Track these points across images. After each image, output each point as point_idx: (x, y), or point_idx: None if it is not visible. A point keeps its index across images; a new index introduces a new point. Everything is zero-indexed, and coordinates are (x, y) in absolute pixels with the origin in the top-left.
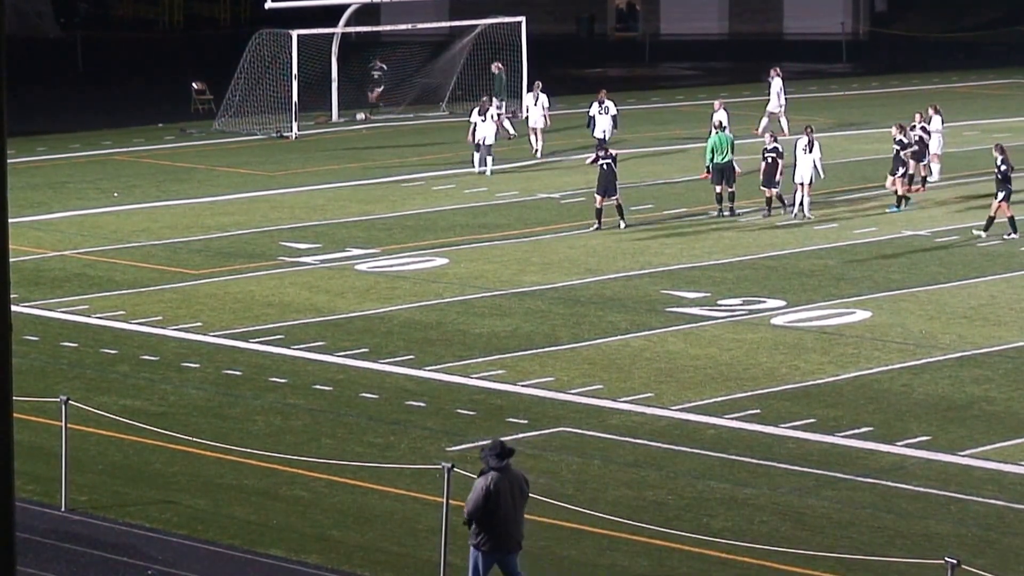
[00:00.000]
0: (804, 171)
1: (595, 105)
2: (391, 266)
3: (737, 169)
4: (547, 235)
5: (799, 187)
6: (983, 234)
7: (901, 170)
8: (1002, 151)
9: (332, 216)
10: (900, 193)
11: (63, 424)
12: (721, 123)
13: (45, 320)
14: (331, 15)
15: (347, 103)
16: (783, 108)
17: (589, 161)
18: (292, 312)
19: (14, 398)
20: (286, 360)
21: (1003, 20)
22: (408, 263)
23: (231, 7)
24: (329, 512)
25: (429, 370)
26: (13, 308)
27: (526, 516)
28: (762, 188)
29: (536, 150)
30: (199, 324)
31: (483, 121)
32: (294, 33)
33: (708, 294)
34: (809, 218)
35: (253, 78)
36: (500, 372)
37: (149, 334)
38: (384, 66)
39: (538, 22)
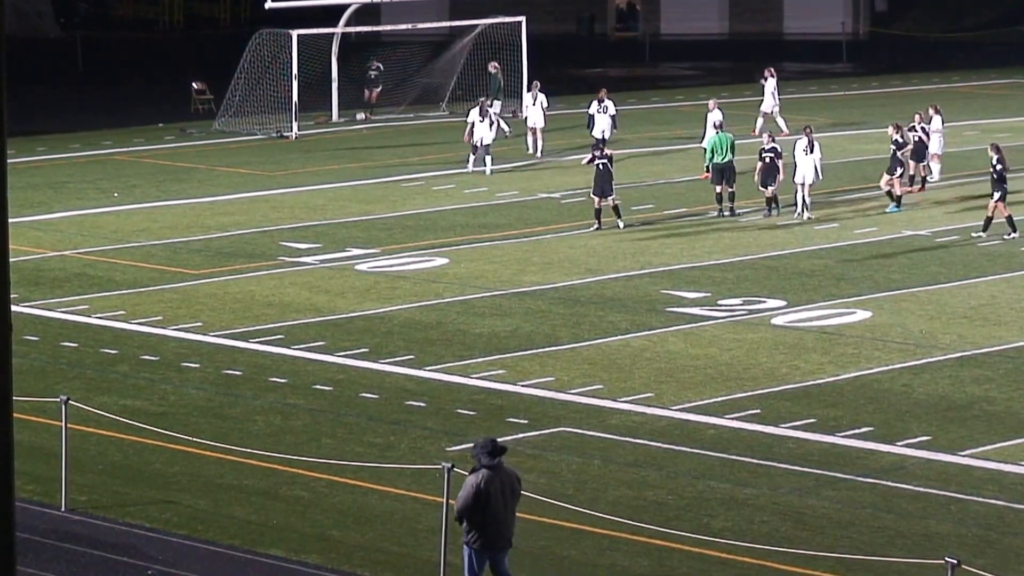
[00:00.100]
0: (805, 172)
1: (594, 104)
2: (391, 266)
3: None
4: (547, 235)
5: (799, 187)
6: (983, 235)
7: (900, 170)
8: (998, 151)
9: (332, 216)
10: (898, 193)
11: (63, 424)
12: (715, 123)
13: (45, 320)
14: (331, 15)
15: (347, 103)
16: (777, 108)
17: (585, 161)
18: (292, 312)
19: (14, 398)
20: (286, 360)
21: (1003, 20)
22: (408, 263)
23: (231, 7)
24: (329, 512)
25: (429, 370)
26: (13, 308)
27: (525, 516)
28: (760, 188)
29: (538, 149)
30: (199, 324)
31: (481, 121)
32: (294, 33)
33: (708, 294)
34: (809, 218)
35: (253, 78)
36: (500, 372)
37: (149, 334)
38: (381, 66)
39: (538, 22)
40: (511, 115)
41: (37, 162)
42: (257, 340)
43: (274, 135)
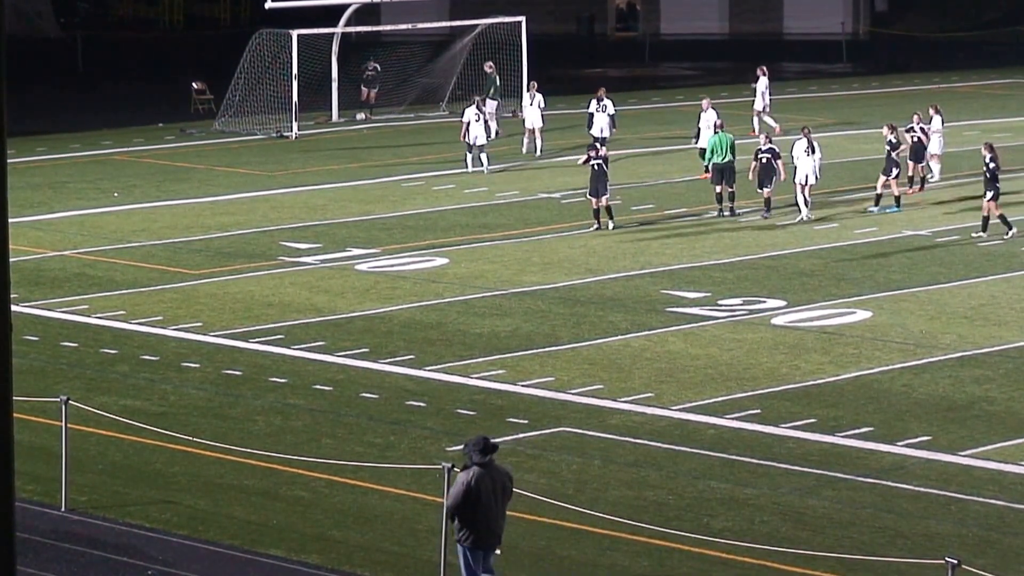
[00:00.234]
0: (806, 172)
1: (593, 103)
2: (391, 266)
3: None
4: (547, 235)
5: (799, 188)
6: (983, 234)
7: (895, 171)
8: (991, 150)
9: (332, 216)
10: (896, 194)
11: (63, 424)
12: (715, 124)
13: (45, 320)
14: (331, 15)
15: (347, 103)
16: (766, 107)
17: (581, 162)
18: (292, 312)
19: (14, 398)
20: (286, 360)
21: (1003, 20)
22: (408, 263)
23: (231, 7)
24: (329, 512)
25: (429, 370)
26: (13, 308)
27: (525, 516)
28: (758, 190)
29: (537, 148)
30: (199, 324)
31: (477, 120)
32: (294, 33)
33: (708, 294)
34: (809, 218)
35: (253, 78)
36: (500, 372)
37: (149, 334)
38: (378, 67)
39: (538, 22)
40: (511, 115)
41: (37, 162)
42: (257, 340)
43: (274, 135)
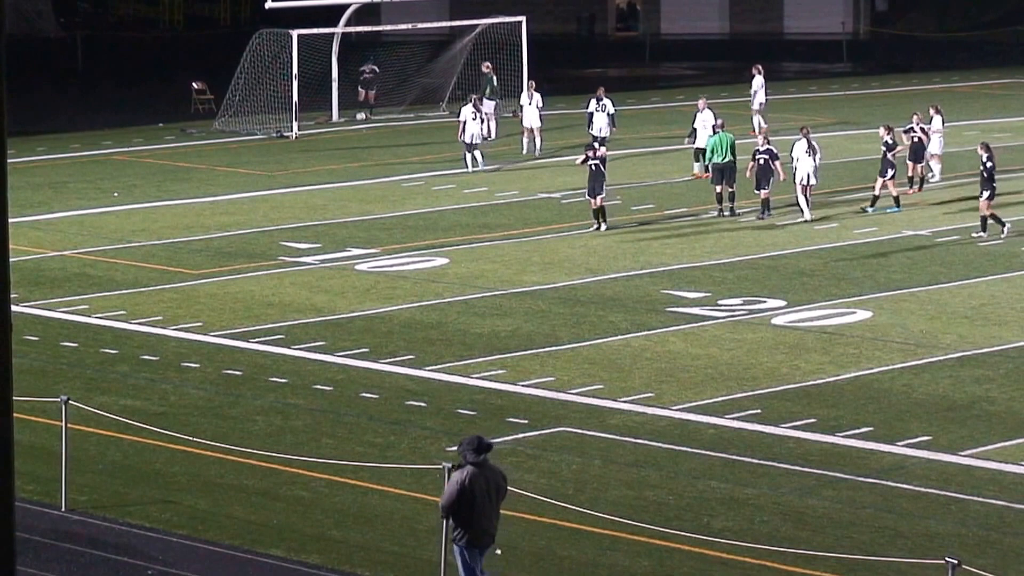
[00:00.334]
0: (807, 172)
1: (593, 102)
2: (391, 266)
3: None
4: (548, 235)
5: (800, 188)
6: (983, 234)
7: (891, 172)
8: (988, 149)
9: (332, 216)
10: (894, 194)
11: (63, 424)
12: (715, 124)
13: (45, 320)
14: (331, 15)
15: (347, 103)
16: (761, 106)
17: (579, 162)
18: (292, 312)
19: (14, 398)
20: (286, 360)
21: (1003, 20)
22: (408, 263)
23: (231, 7)
24: (329, 512)
25: (429, 370)
26: (13, 308)
27: (525, 516)
28: (756, 191)
29: (537, 148)
30: (199, 324)
31: (474, 119)
32: (294, 33)
33: (708, 294)
34: (809, 218)
35: (253, 78)
36: (500, 372)
37: (149, 334)
38: (375, 68)
39: (538, 22)
40: (511, 115)
41: (37, 162)
42: (257, 340)
43: (274, 135)
